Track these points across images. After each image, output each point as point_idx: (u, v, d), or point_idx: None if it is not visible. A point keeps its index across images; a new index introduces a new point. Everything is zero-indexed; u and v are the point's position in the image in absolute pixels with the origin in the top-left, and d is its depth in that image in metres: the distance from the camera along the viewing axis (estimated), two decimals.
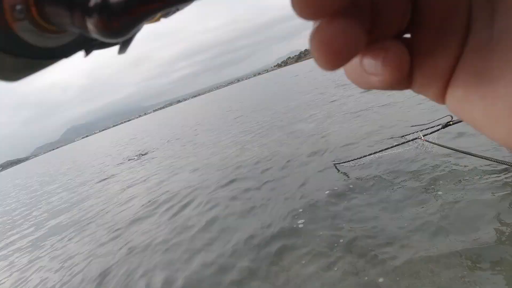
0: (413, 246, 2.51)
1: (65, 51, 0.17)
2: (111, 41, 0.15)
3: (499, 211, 2.57)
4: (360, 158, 4.08)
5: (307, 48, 0.17)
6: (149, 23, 0.19)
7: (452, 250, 2.32)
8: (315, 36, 0.16)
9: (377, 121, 6.27)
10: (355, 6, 0.16)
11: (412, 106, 6.43)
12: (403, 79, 0.18)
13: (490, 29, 0.16)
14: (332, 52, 0.16)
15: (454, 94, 0.18)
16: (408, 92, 7.86)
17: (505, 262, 2.09)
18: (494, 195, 2.78)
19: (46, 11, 0.15)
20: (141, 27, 0.16)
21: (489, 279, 2.02)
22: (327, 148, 5.61)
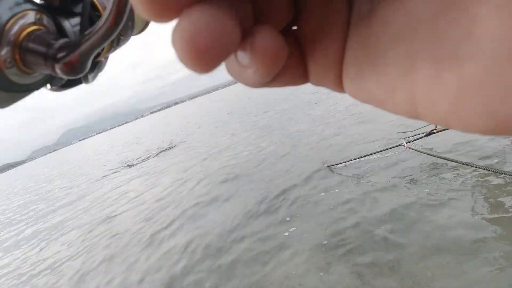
0: (391, 245, 2.55)
1: (37, 86, 0.25)
2: (72, 77, 0.24)
3: (479, 215, 2.62)
4: (345, 162, 4.15)
5: None
6: (134, 34, 0.29)
7: (434, 252, 2.36)
8: (174, 33, 0.12)
9: (364, 127, 6.30)
10: None
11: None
12: (295, 74, 0.17)
13: (370, 1, 0.15)
14: (197, 53, 0.12)
15: (349, 74, 0.16)
16: None
17: (484, 267, 2.12)
18: (475, 200, 2.81)
19: (28, 60, 0.23)
20: (101, 65, 0.28)
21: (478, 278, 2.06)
22: (316, 151, 5.65)
